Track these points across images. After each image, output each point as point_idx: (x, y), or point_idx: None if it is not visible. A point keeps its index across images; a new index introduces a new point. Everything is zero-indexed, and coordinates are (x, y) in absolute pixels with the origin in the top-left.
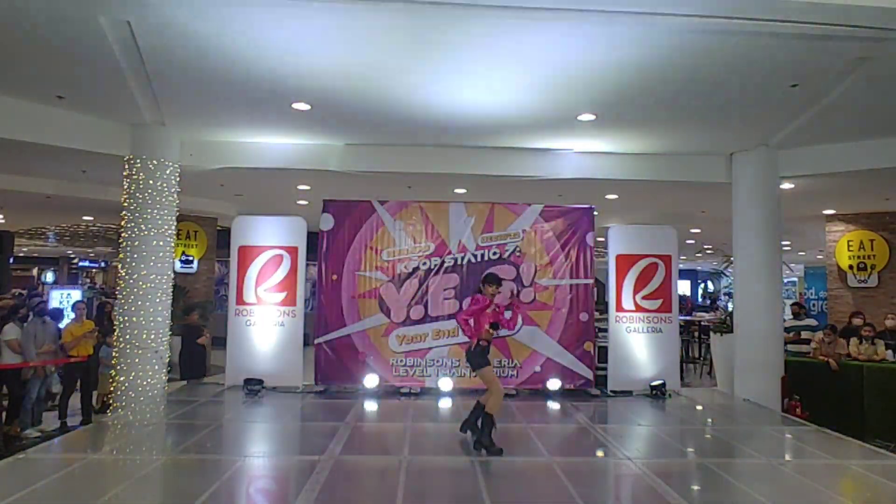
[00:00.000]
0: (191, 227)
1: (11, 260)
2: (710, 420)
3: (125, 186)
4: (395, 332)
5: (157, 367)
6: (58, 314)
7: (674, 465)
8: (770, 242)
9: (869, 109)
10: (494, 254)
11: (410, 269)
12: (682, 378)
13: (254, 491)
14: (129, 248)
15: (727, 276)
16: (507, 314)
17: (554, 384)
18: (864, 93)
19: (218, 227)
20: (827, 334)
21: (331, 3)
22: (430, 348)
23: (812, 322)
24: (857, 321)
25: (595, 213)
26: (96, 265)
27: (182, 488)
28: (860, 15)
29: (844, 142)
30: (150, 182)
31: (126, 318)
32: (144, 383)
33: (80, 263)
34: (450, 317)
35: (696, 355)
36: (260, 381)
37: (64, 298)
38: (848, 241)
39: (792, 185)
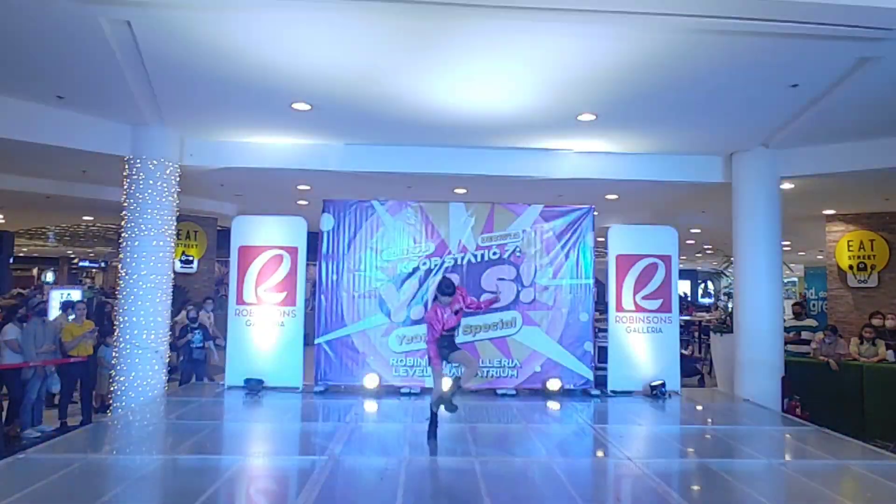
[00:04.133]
0: (191, 227)
1: (11, 260)
2: (710, 420)
3: (125, 186)
4: (395, 332)
5: (157, 367)
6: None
7: (674, 465)
8: (770, 242)
9: (869, 109)
10: (494, 254)
11: (410, 269)
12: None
13: (254, 491)
14: (129, 248)
15: (727, 276)
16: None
17: (554, 384)
18: (864, 93)
19: (218, 227)
20: (827, 335)
21: (332, 2)
22: None
23: (812, 322)
24: (876, 321)
25: (595, 213)
26: (96, 265)
27: (182, 488)
28: (860, 15)
29: (844, 142)
30: (150, 182)
31: (126, 318)
32: (144, 383)
33: (80, 263)
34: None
35: (697, 355)
36: (260, 381)
37: (64, 298)
38: (848, 241)
39: (792, 185)
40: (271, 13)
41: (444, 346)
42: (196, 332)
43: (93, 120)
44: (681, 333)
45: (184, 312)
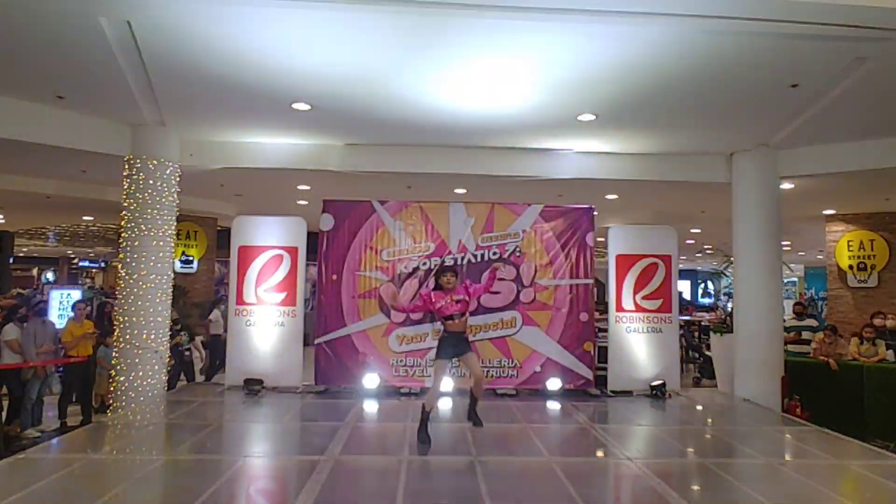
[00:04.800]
0: (191, 227)
1: (11, 260)
2: (710, 420)
3: (125, 186)
4: (395, 332)
5: (157, 367)
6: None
7: (674, 465)
8: (770, 242)
9: (869, 109)
10: (494, 254)
11: (410, 269)
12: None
13: (254, 491)
14: (129, 248)
15: (727, 276)
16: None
17: (554, 384)
18: (864, 93)
19: (218, 227)
20: (827, 335)
21: (332, 2)
22: (430, 348)
23: (812, 322)
24: (878, 321)
25: (595, 213)
26: (96, 265)
27: (182, 488)
28: (860, 15)
29: (844, 142)
30: (150, 182)
31: (126, 318)
32: (144, 383)
33: (80, 263)
34: None
35: (697, 355)
36: (260, 381)
37: (64, 298)
38: (848, 241)
39: (792, 185)
40: (272, 13)
41: (452, 343)
42: (183, 333)
43: (93, 120)
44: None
45: (217, 311)
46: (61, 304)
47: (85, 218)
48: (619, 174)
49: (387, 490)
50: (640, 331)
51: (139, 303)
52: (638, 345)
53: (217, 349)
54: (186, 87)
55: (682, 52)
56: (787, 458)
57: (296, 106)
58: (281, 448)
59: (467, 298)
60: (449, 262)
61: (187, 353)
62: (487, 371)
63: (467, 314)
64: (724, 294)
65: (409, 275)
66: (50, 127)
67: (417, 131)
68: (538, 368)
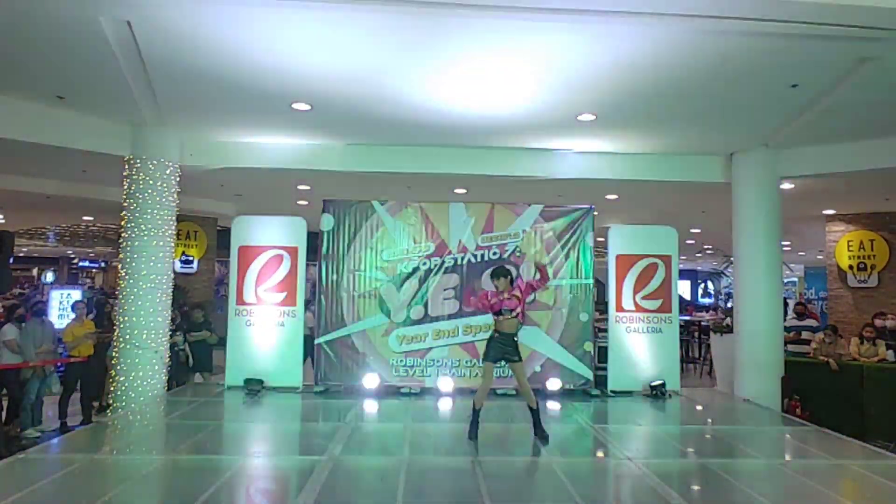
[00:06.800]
0: (191, 227)
1: (11, 260)
2: (710, 420)
3: (125, 186)
4: (395, 332)
5: (157, 367)
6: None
7: (674, 465)
8: (770, 242)
9: (869, 109)
10: (494, 254)
11: (410, 269)
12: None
13: (254, 491)
14: (129, 248)
15: (727, 276)
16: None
17: (554, 384)
18: (865, 93)
19: (218, 227)
20: (827, 335)
21: (332, 2)
22: (430, 348)
23: (813, 322)
24: (879, 321)
25: (595, 213)
26: (96, 265)
27: (182, 488)
28: (860, 15)
29: (844, 142)
30: (150, 182)
31: (126, 318)
32: (144, 383)
33: (80, 263)
34: (450, 317)
35: (696, 355)
36: (260, 381)
37: (64, 298)
38: (848, 241)
39: (792, 185)
40: (272, 13)
41: (499, 345)
42: (178, 333)
43: (93, 120)
44: (680, 333)
45: None
46: (61, 304)
47: (85, 218)
48: (619, 174)
49: (387, 490)
50: (640, 331)
51: (139, 303)
52: (638, 345)
53: None
54: (186, 87)
55: (682, 52)
56: (788, 458)
57: (296, 106)
58: (281, 448)
59: (519, 294)
60: (449, 262)
61: (182, 351)
62: None
63: (518, 312)
64: (724, 294)
65: (409, 275)
66: (50, 127)
67: (417, 131)
68: (538, 368)
